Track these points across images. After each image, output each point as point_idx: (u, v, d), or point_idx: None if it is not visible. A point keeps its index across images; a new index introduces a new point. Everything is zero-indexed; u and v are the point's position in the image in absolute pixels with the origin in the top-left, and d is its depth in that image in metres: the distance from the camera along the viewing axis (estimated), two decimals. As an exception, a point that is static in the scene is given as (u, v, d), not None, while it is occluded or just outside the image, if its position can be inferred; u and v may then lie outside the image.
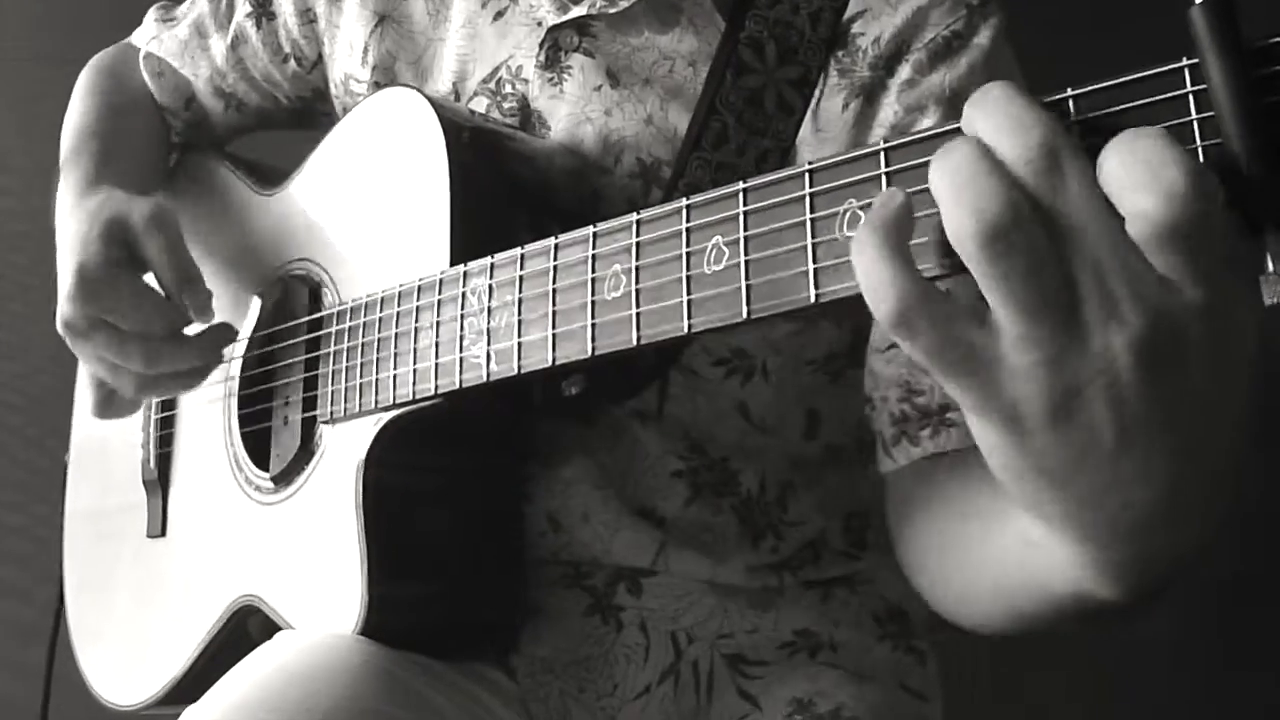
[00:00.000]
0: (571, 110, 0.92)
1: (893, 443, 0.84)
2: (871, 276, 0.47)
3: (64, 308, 0.92)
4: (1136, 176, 0.44)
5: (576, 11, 0.91)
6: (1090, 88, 0.49)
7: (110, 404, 0.99)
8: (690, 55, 0.90)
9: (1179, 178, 0.43)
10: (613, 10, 0.90)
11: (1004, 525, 0.61)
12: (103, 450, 1.18)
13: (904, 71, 0.86)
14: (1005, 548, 0.62)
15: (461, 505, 0.89)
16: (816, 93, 0.88)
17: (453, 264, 0.80)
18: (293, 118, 1.16)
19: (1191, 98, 0.47)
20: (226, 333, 0.97)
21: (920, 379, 0.82)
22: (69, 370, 1.26)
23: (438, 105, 0.86)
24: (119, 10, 1.23)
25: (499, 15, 0.96)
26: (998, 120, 0.47)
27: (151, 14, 1.21)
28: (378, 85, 1.00)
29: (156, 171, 1.13)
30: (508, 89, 0.95)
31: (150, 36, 1.17)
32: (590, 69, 0.92)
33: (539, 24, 0.94)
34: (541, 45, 0.92)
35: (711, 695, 0.94)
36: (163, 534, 1.08)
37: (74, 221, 0.97)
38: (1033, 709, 1.62)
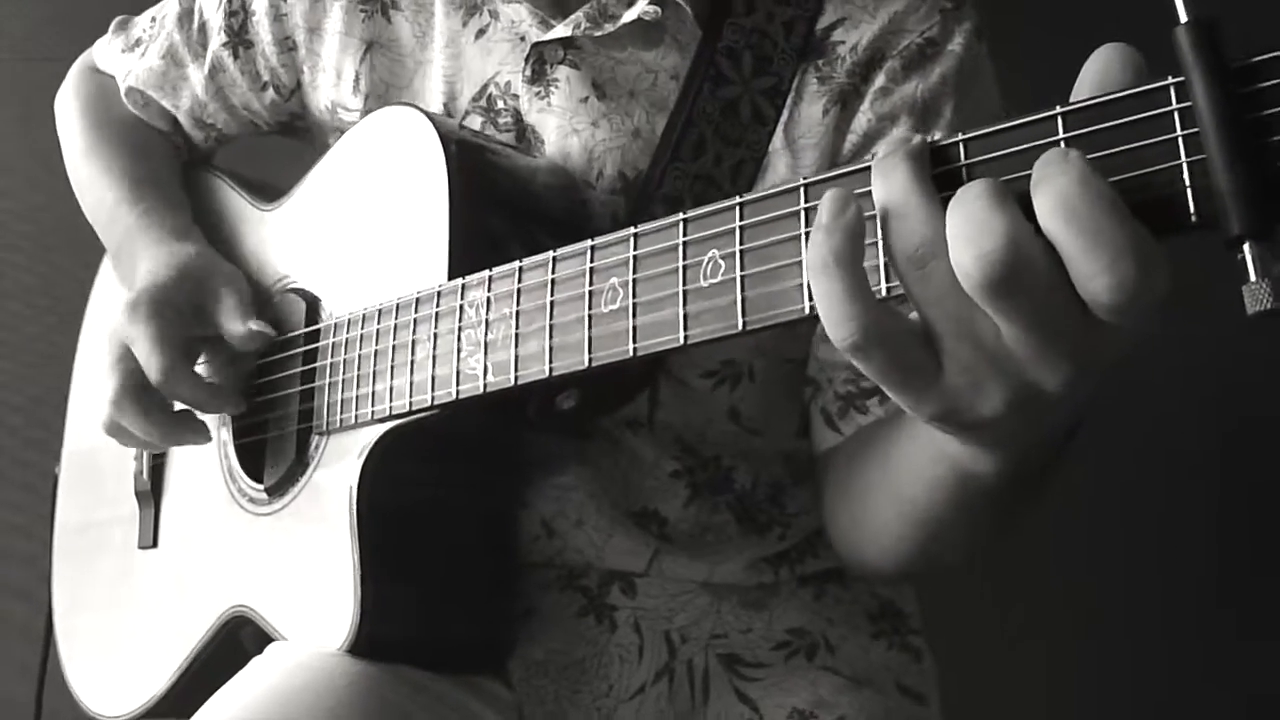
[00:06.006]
0: (560, 123, 0.93)
1: (839, 415, 0.88)
2: (833, 309, 0.53)
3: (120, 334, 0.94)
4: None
5: (559, 32, 0.91)
6: (1077, 104, 0.51)
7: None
8: (674, 69, 0.91)
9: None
10: (597, 34, 0.90)
11: (914, 443, 0.72)
12: (93, 462, 1.18)
13: (879, 79, 0.87)
14: (912, 457, 0.73)
15: (456, 515, 0.89)
16: (789, 102, 0.88)
17: (450, 278, 0.80)
18: (272, 133, 1.15)
19: (1177, 114, 0.48)
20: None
21: None
22: (68, 370, 1.26)
23: (436, 121, 0.87)
24: (119, 12, 1.22)
25: (481, 33, 0.96)
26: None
27: (113, 39, 1.19)
28: (369, 113, 1.00)
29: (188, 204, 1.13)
30: (500, 105, 0.95)
31: (125, 70, 1.15)
32: (576, 81, 0.92)
33: (522, 39, 0.94)
34: (527, 60, 0.93)
35: (708, 695, 0.95)
36: (154, 545, 1.08)
37: (158, 262, 0.98)
38: (1029, 709, 1.62)
